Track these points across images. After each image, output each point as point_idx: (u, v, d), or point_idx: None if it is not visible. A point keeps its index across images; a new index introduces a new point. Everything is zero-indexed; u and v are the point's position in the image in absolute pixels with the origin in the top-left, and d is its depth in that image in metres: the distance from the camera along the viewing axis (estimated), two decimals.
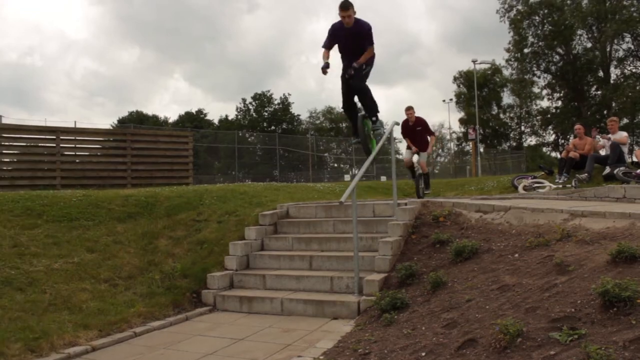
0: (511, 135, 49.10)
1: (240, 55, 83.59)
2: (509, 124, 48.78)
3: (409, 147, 8.81)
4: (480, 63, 36.93)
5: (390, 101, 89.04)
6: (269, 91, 51.24)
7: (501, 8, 35.55)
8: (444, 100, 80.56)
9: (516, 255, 4.30)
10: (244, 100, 51.35)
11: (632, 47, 32.80)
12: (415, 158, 8.69)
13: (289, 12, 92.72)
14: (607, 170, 8.55)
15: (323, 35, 6.01)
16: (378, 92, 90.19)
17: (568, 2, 33.09)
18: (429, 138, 8.73)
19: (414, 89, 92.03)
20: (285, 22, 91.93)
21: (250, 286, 5.70)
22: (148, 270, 5.76)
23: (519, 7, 34.82)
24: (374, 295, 4.54)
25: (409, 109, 8.75)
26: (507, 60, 37.46)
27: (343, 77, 6.00)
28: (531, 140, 47.02)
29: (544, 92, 39.22)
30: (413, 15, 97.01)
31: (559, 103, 38.95)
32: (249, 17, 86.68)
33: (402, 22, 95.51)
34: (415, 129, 8.65)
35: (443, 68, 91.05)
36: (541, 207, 5.23)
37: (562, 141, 39.92)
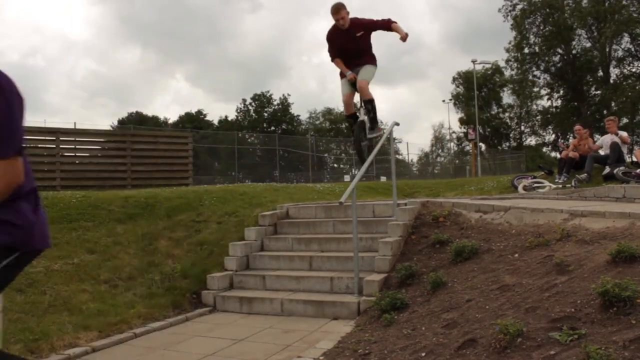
0: (511, 135, 49.15)
1: (241, 56, 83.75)
2: (509, 123, 48.83)
3: (342, 74, 5.89)
4: (480, 63, 37.02)
5: (391, 101, 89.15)
6: (268, 92, 51.41)
7: (504, 6, 35.66)
8: (443, 101, 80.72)
9: (516, 255, 4.30)
10: (244, 100, 51.45)
11: (632, 47, 32.85)
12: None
13: (289, 12, 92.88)
14: (607, 170, 8.55)
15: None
16: (379, 92, 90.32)
17: (568, 1, 33.11)
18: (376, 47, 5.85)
19: (416, 89, 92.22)
20: (286, 23, 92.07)
21: (250, 287, 5.69)
22: (148, 271, 5.76)
23: (522, 5, 34.85)
24: (373, 295, 4.54)
25: (338, 11, 5.51)
26: (506, 61, 37.56)
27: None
28: (531, 140, 47.12)
29: (543, 91, 39.31)
30: (414, 15, 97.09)
31: (559, 103, 39.03)
32: (250, 17, 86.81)
33: (403, 22, 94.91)
34: (354, 37, 5.66)
35: (445, 68, 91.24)
36: (541, 207, 5.23)
37: (562, 141, 39.94)
